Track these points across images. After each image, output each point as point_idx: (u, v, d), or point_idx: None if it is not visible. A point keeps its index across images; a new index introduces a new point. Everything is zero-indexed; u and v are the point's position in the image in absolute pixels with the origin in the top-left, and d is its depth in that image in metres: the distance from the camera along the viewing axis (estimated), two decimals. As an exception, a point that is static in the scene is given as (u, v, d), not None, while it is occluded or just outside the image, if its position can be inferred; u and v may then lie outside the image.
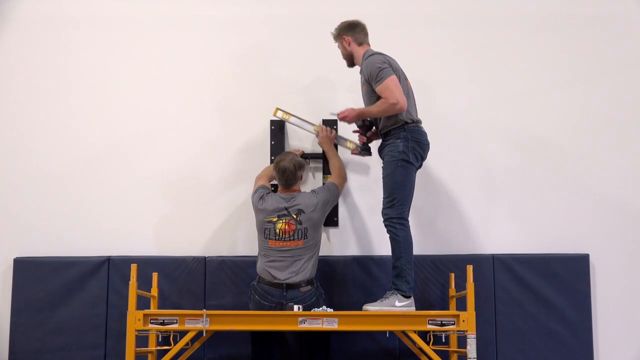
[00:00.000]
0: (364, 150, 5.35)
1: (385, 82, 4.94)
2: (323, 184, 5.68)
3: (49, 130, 5.87)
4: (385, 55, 5.11)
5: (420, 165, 5.19)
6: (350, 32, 5.23)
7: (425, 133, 5.15)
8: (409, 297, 4.92)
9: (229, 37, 5.95)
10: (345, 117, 5.19)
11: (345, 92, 5.79)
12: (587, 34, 5.95)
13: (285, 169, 5.24)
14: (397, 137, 5.04)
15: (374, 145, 5.39)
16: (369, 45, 5.25)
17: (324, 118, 5.70)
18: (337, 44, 5.34)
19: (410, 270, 4.95)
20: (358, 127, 5.27)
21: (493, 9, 5.98)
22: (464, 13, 5.98)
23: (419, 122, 5.13)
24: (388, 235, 5.12)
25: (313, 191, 5.33)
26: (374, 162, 5.56)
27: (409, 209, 5.03)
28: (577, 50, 5.95)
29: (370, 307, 4.90)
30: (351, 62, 5.32)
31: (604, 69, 5.94)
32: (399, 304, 4.88)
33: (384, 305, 4.88)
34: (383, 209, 5.03)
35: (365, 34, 5.26)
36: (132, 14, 5.97)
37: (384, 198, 5.05)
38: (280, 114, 5.64)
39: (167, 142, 5.87)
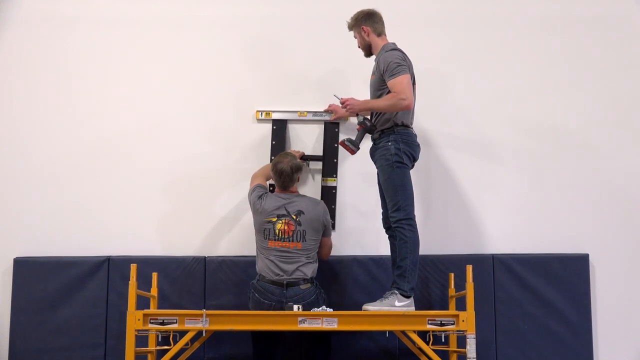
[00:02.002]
0: (350, 143, 5.15)
1: (400, 77, 4.93)
2: (322, 187, 5.73)
3: (48, 130, 5.87)
4: (404, 54, 5.10)
5: (413, 166, 5.21)
6: (369, 22, 5.20)
7: (416, 135, 5.16)
8: (408, 297, 4.92)
9: (229, 36, 5.95)
10: (347, 104, 5.15)
11: (351, 92, 5.79)
12: (588, 34, 5.95)
13: (282, 170, 5.24)
14: (387, 140, 5.06)
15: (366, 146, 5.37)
16: (386, 36, 5.24)
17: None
18: (353, 34, 5.30)
19: (414, 272, 4.96)
20: (358, 123, 5.22)
21: (492, 9, 5.98)
22: (462, 13, 5.98)
23: (409, 126, 5.13)
24: (389, 236, 5.14)
25: (324, 208, 5.30)
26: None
27: (414, 209, 5.04)
28: (579, 49, 5.95)
29: (370, 307, 4.91)
30: (369, 52, 5.29)
31: (606, 69, 5.94)
32: (398, 304, 4.89)
33: (384, 305, 4.88)
34: (390, 213, 5.04)
35: (383, 24, 5.24)
36: (132, 13, 5.97)
37: (387, 202, 5.06)
38: (263, 115, 5.75)
39: (167, 141, 5.88)
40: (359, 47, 5.31)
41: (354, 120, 5.73)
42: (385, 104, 4.97)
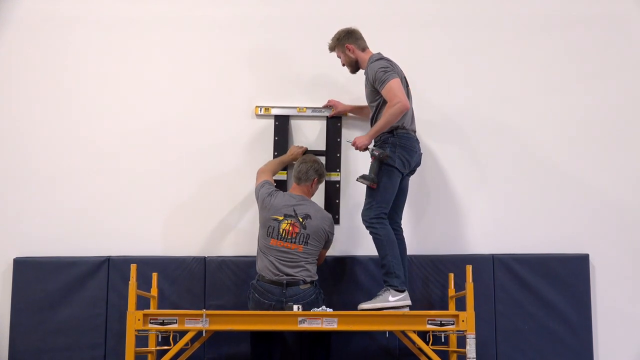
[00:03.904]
0: (364, 179, 5.05)
1: (388, 84, 4.96)
2: (326, 181, 5.70)
3: (48, 130, 5.86)
4: (390, 60, 5.14)
5: (412, 172, 5.25)
6: (352, 40, 5.26)
7: (417, 140, 5.17)
8: (402, 292, 4.94)
9: (229, 35, 5.95)
10: (356, 144, 5.12)
11: (349, 87, 5.79)
12: (587, 34, 5.95)
13: (301, 162, 5.38)
14: (385, 142, 5.07)
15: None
16: (369, 48, 5.29)
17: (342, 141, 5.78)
18: (336, 53, 5.34)
19: (398, 266, 4.99)
20: (371, 156, 5.10)
21: (492, 8, 5.97)
22: (463, 13, 5.98)
23: (409, 129, 5.12)
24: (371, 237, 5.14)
25: (330, 221, 5.34)
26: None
27: (388, 210, 5.05)
28: (577, 50, 5.95)
29: (365, 306, 4.95)
30: (355, 68, 5.34)
31: (605, 69, 5.94)
32: (392, 299, 4.92)
33: (378, 302, 4.93)
34: (362, 210, 5.09)
35: (364, 39, 5.30)
36: (132, 13, 5.97)
37: (365, 199, 5.10)
38: (262, 111, 5.78)
39: (167, 141, 5.87)
40: (344, 65, 5.35)
41: (354, 116, 5.75)
42: (386, 120, 4.96)
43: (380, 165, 5.04)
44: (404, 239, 5.27)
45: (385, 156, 5.02)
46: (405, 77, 5.21)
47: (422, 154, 5.29)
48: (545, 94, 5.92)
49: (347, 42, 5.26)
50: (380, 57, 5.15)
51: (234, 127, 5.87)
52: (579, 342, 5.53)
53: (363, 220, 5.09)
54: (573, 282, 5.61)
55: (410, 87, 5.26)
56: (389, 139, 5.07)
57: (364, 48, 5.27)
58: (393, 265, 4.98)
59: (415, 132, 5.21)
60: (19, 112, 5.90)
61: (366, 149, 5.11)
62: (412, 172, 5.29)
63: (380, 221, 5.02)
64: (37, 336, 5.54)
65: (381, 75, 5.00)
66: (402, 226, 5.31)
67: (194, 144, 5.87)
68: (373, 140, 5.14)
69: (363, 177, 5.07)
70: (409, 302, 4.95)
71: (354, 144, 5.12)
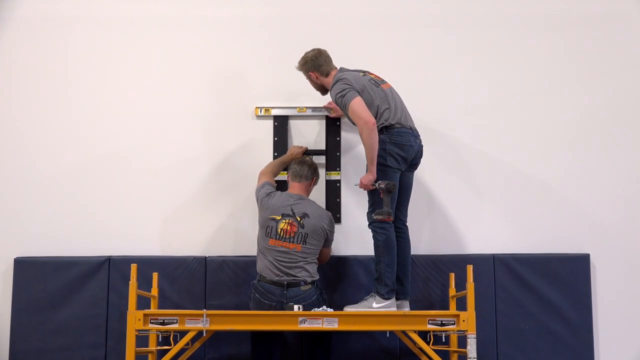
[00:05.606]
0: (380, 215, 4.93)
1: (350, 107, 4.97)
2: (326, 180, 5.73)
3: (48, 131, 5.87)
4: (344, 78, 5.08)
5: (413, 165, 5.21)
6: (315, 68, 5.25)
7: (413, 134, 5.11)
8: (388, 300, 4.96)
9: (229, 35, 5.95)
10: (361, 184, 5.05)
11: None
12: (587, 34, 5.95)
13: (298, 162, 5.40)
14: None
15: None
16: (335, 68, 5.26)
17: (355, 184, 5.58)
18: (303, 75, 5.37)
19: (389, 274, 4.98)
20: (379, 190, 5.00)
21: (492, 9, 5.98)
22: (463, 13, 5.98)
23: (398, 124, 5.05)
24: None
25: (329, 219, 5.33)
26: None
27: (393, 212, 5.00)
28: (577, 50, 5.95)
29: (348, 308, 5.01)
30: (324, 91, 5.36)
31: (606, 68, 5.94)
32: (376, 305, 4.96)
33: (361, 307, 4.99)
34: (367, 212, 5.09)
35: (329, 61, 5.27)
36: (132, 13, 5.97)
37: (367, 201, 5.09)
38: (262, 111, 5.78)
39: (167, 141, 5.87)
40: (314, 88, 5.38)
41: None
42: (366, 147, 4.92)
43: (390, 196, 4.94)
44: (408, 238, 5.24)
45: (392, 186, 4.94)
46: (372, 78, 5.16)
47: (422, 146, 5.24)
48: (545, 94, 5.93)
49: (310, 70, 5.26)
50: (336, 81, 5.10)
51: (234, 127, 5.87)
52: (579, 342, 5.53)
53: (368, 221, 5.09)
54: (573, 282, 5.61)
55: (386, 83, 5.21)
56: (379, 137, 4.99)
57: (328, 73, 5.24)
58: (384, 272, 4.98)
59: (410, 125, 5.13)
60: (19, 112, 5.90)
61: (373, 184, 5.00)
62: (414, 166, 5.24)
63: (383, 225, 5.00)
64: (38, 336, 5.54)
65: (341, 101, 5.02)
66: (407, 224, 5.27)
67: (194, 144, 5.87)
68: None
69: (378, 213, 4.93)
70: (394, 309, 4.97)
71: (361, 186, 5.04)
